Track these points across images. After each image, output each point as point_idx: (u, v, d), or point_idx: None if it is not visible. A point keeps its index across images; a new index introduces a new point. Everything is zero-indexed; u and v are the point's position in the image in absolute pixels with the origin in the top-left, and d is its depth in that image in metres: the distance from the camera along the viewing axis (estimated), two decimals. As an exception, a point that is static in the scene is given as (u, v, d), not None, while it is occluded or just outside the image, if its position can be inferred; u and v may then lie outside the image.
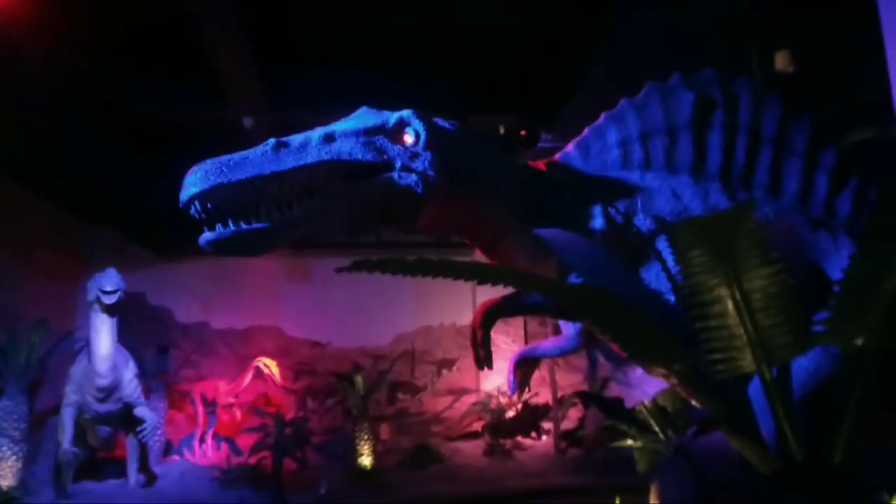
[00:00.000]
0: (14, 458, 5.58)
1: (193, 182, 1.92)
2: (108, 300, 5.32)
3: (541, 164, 2.72)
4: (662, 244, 1.90)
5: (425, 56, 5.19)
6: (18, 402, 5.75)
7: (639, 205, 2.66)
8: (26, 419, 5.76)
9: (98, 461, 6.56)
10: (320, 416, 8.26)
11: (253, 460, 6.56)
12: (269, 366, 8.04)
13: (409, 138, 2.21)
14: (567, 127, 4.73)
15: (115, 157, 6.27)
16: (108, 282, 5.32)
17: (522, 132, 4.65)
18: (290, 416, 7.44)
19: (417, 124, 2.26)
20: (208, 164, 1.94)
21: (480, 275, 1.30)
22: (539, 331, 8.28)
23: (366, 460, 7.07)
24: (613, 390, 8.03)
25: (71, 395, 5.76)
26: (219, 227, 1.95)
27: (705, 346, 1.19)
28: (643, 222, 2.62)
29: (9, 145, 5.78)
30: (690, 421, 3.28)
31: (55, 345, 6.13)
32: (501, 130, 4.40)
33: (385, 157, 2.12)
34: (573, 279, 2.22)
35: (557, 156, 2.90)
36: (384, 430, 8.29)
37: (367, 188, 2.10)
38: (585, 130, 2.91)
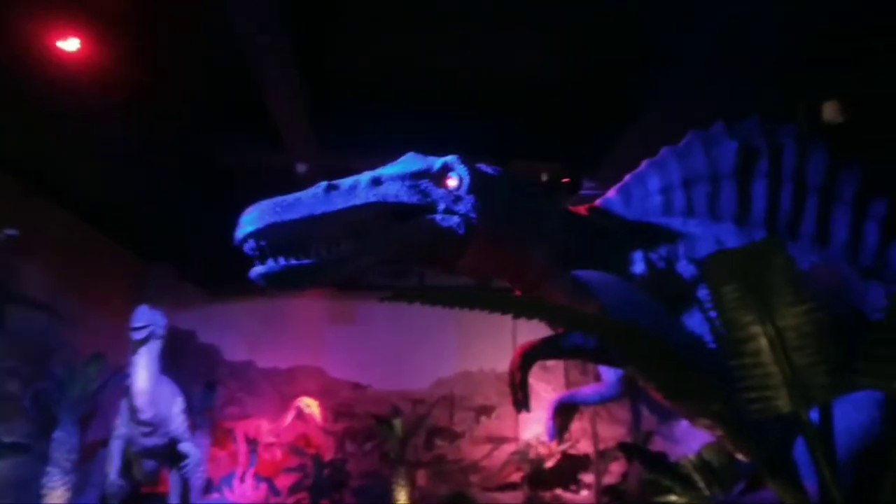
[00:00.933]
0: (63, 487, 5.75)
1: (249, 221, 2.04)
2: (136, 336, 5.52)
3: (582, 210, 2.76)
4: (704, 291, 1.90)
5: (470, 103, 5.37)
6: (71, 433, 5.96)
7: (681, 251, 2.66)
8: (77, 450, 5.95)
9: (141, 496, 6.68)
10: (358, 459, 8.23)
11: (290, 501, 6.58)
12: (311, 406, 8.13)
13: (452, 182, 2.29)
14: (609, 174, 4.78)
15: (177, 198, 6.62)
16: (138, 318, 5.55)
17: (565, 179, 4.71)
18: (328, 457, 7.46)
19: (461, 169, 2.34)
20: (264, 205, 2.06)
21: (520, 308, 1.34)
22: (580, 380, 8.12)
23: (402, 506, 6.99)
24: (658, 444, 7.74)
25: (120, 428, 5.93)
26: (269, 262, 2.05)
27: (741, 385, 1.20)
28: (685, 268, 2.61)
29: (74, 183, 6.18)
30: (737, 476, 3.15)
31: (109, 378, 6.36)
32: (544, 177, 4.47)
33: (429, 199, 2.21)
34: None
35: (598, 201, 2.94)
36: (421, 476, 8.18)
37: (411, 228, 2.19)
38: (627, 177, 2.95)
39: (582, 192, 4.99)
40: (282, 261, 2.05)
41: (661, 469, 3.78)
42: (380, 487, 7.39)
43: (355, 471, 7.88)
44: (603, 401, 3.58)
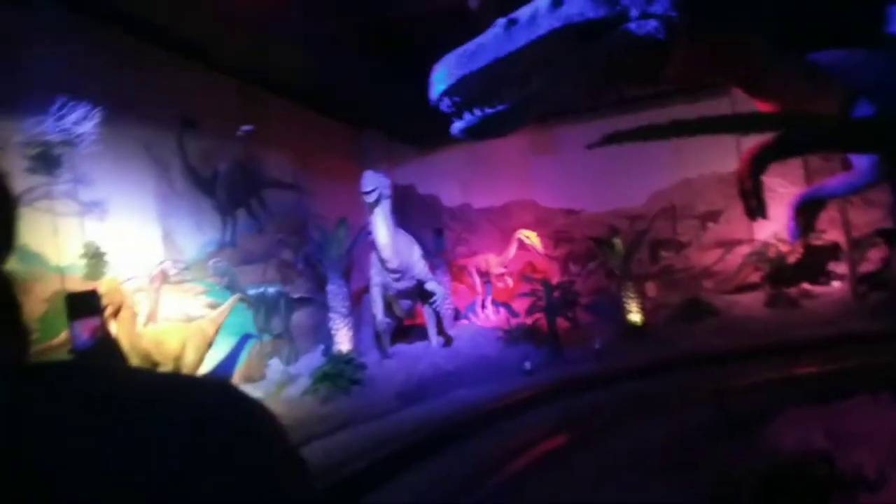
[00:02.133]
0: (346, 328, 7.01)
1: (440, 79, 2.06)
2: (369, 198, 6.24)
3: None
4: None
5: None
6: (340, 285, 7.11)
7: None
8: (348, 298, 7.13)
9: (405, 328, 7.91)
10: (584, 279, 8.57)
11: (529, 321, 7.21)
12: (530, 237, 8.53)
13: (644, -20, 2.02)
14: None
15: (374, 69, 6.96)
16: (367, 183, 6.23)
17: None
18: (555, 280, 7.88)
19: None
20: (449, 59, 2.05)
21: (745, 126, 1.21)
22: (823, 166, 7.17)
23: (635, 317, 7.22)
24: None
25: (375, 277, 6.96)
26: (467, 115, 2.08)
27: None
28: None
29: (285, 74, 6.82)
30: None
31: (356, 238, 7.34)
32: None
33: (618, 6, 1.99)
34: (865, 107, 1.87)
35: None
36: (650, 288, 8.28)
37: (604, 46, 2.02)
38: None
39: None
40: (478, 112, 2.07)
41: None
42: (609, 302, 7.67)
43: (583, 290, 8.24)
44: (855, 191, 3.11)
